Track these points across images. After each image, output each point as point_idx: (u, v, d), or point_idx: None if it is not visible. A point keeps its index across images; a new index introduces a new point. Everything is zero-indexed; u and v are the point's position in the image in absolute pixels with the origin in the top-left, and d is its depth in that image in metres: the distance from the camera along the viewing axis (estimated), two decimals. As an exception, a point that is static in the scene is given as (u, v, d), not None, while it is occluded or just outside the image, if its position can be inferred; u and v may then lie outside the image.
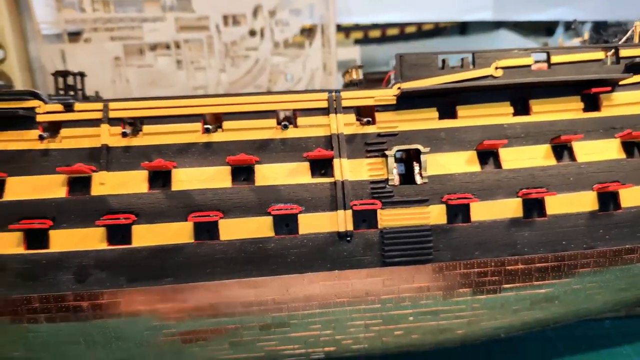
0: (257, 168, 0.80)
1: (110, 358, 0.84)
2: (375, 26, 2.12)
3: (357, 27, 2.01)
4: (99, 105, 0.81)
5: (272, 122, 0.82)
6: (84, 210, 0.76)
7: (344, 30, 1.93)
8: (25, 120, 0.79)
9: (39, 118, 0.81)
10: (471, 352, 0.98)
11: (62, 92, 1.01)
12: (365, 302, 0.80)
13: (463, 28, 2.52)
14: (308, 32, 1.68)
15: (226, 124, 0.82)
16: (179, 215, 0.77)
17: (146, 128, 0.82)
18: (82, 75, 1.02)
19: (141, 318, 0.78)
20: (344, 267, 0.78)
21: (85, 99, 0.97)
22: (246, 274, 0.77)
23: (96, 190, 0.78)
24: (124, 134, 0.80)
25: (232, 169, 0.79)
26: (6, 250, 0.76)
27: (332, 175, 0.79)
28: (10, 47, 1.63)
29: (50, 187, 0.77)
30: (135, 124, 0.83)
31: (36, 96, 0.80)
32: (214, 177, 0.79)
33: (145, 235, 0.76)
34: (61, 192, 0.78)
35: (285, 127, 0.81)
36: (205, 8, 1.59)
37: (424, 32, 2.50)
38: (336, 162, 0.79)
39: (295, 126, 0.82)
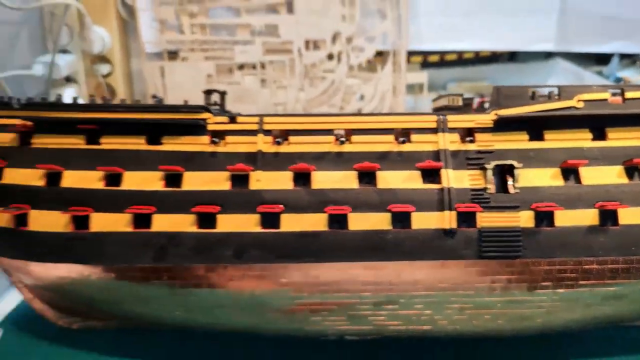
0: (379, 174, 0.97)
1: (252, 320, 1.03)
2: (434, 51, 2.29)
3: (416, 52, 2.17)
4: (256, 119, 1.01)
5: (391, 137, 1.00)
6: (244, 201, 0.95)
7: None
8: (198, 129, 0.99)
9: (209, 127, 1.00)
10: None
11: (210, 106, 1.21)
12: (462, 288, 0.96)
13: (512, 55, 2.68)
14: (381, 57, 1.86)
15: (354, 138, 1.00)
16: (317, 208, 0.95)
17: (292, 138, 1.00)
18: (224, 93, 1.22)
19: (282, 289, 0.96)
20: (446, 258, 0.95)
21: (225, 112, 1.16)
22: (368, 258, 0.94)
23: (253, 185, 0.96)
24: (277, 142, 1.00)
25: (358, 173, 0.97)
26: (184, 229, 0.95)
27: (440, 183, 0.96)
28: (117, 63, 1.85)
29: (218, 181, 0.96)
30: (283, 135, 1.02)
31: (207, 110, 1.00)
32: (344, 180, 0.97)
33: (291, 222, 0.94)
34: (226, 186, 0.97)
35: (403, 142, 0.99)
36: (290, 34, 1.79)
37: (480, 58, 2.66)
38: (443, 172, 0.97)
39: (409, 142, 1.00)
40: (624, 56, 2.47)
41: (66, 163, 0.97)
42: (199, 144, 0.98)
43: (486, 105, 1.18)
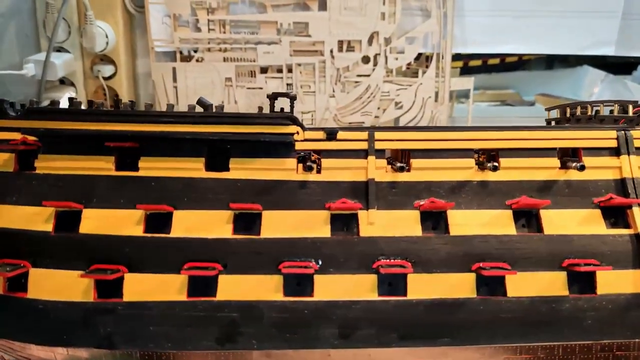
0: (544, 214, 0.71)
1: None
2: (457, 56, 2.09)
3: (457, 56, 1.94)
4: (364, 135, 0.74)
5: (554, 160, 0.74)
6: (353, 253, 0.68)
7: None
8: (283, 148, 0.72)
9: (299, 146, 0.73)
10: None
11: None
12: None
13: (550, 62, 2.49)
14: (422, 60, 1.64)
15: (503, 162, 0.74)
16: (460, 265, 0.68)
17: (415, 162, 0.74)
18: (293, 98, 0.96)
19: None
20: None
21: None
22: (535, 338, 0.68)
23: (365, 230, 0.69)
24: (397, 168, 0.72)
25: (513, 212, 0.71)
26: (265, 296, 0.67)
27: (630, 227, 0.70)
28: (122, 63, 1.59)
29: (312, 224, 0.69)
30: (403, 158, 0.76)
31: (294, 121, 0.73)
32: (494, 222, 0.70)
33: (422, 286, 0.67)
34: (325, 231, 0.69)
35: (582, 168, 0.72)
36: (321, 33, 1.55)
37: (507, 64, 2.47)
38: (635, 210, 0.71)
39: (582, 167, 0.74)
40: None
41: (87, 198, 0.70)
42: (283, 169, 0.72)
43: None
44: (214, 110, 0.79)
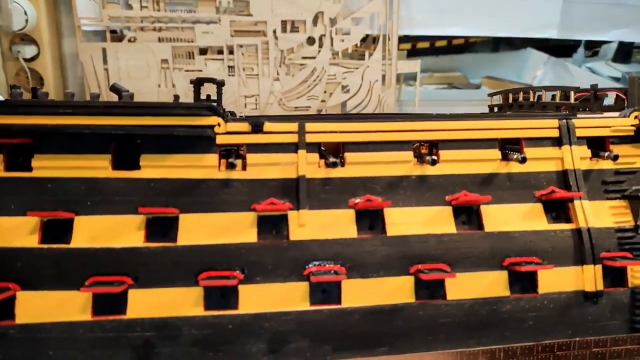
0: (484, 209, 0.65)
1: None
2: (405, 38, 2.04)
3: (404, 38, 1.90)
4: (293, 127, 0.65)
5: (496, 152, 0.68)
6: (282, 259, 0.60)
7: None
8: (202, 143, 0.62)
9: (220, 140, 0.63)
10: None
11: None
12: None
13: (495, 45, 2.47)
14: (369, 42, 1.57)
15: (443, 154, 0.67)
16: (398, 268, 0.62)
17: (350, 156, 0.66)
18: (220, 84, 0.85)
19: None
20: (586, 334, 0.65)
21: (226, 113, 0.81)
22: (476, 343, 0.63)
23: (295, 233, 0.61)
24: (333, 164, 0.64)
25: (453, 209, 0.65)
26: (185, 312, 0.58)
27: (571, 221, 0.66)
28: (46, 43, 1.43)
29: (236, 228, 0.61)
30: (336, 151, 0.68)
31: (215, 112, 0.63)
32: (433, 220, 0.64)
33: (357, 293, 0.61)
34: (251, 235, 0.61)
35: (524, 160, 0.66)
36: (263, 12, 1.45)
37: (453, 46, 2.44)
38: (577, 204, 0.66)
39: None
40: (586, 48, 2.35)
41: None
42: (203, 166, 0.62)
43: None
44: (130, 98, 0.69)
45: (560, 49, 2.29)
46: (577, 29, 1.57)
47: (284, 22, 1.47)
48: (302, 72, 1.52)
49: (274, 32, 1.47)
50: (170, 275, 0.59)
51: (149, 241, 0.59)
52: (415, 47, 2.30)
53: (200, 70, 1.48)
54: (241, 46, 1.48)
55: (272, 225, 0.62)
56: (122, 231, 0.58)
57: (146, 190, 0.60)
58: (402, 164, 0.66)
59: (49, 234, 0.58)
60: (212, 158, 0.63)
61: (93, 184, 0.59)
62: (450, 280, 0.62)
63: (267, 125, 0.64)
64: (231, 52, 1.48)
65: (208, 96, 0.85)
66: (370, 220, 0.64)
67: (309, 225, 0.62)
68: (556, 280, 0.64)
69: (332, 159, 0.63)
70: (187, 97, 1.49)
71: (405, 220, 0.64)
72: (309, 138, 0.65)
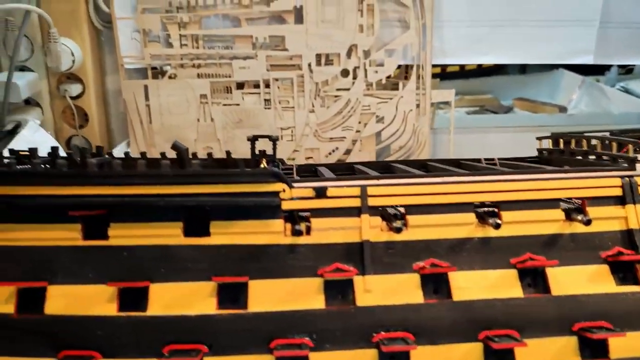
0: (550, 272, 0.64)
1: None
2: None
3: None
4: (356, 191, 0.65)
5: (559, 212, 0.67)
6: (350, 326, 0.60)
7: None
8: (266, 208, 0.63)
9: (285, 205, 0.64)
10: None
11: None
12: None
13: (524, 66, 2.46)
14: (402, 72, 1.58)
15: (505, 215, 0.66)
16: (466, 334, 0.61)
17: (412, 219, 0.66)
18: (275, 140, 0.87)
19: None
20: None
21: (276, 165, 0.81)
22: None
23: (362, 299, 0.61)
24: (398, 229, 0.63)
25: (519, 272, 0.64)
26: None
27: (639, 282, 0.64)
28: (90, 81, 1.49)
29: (304, 293, 0.61)
30: (397, 215, 0.68)
31: (280, 178, 0.64)
32: (499, 284, 0.63)
33: None
34: (318, 302, 0.61)
35: (589, 222, 0.65)
36: (298, 47, 1.48)
37: (484, 69, 2.43)
38: None
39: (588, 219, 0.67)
40: (620, 66, 2.30)
41: (51, 273, 0.59)
42: (269, 232, 0.63)
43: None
44: (189, 155, 0.71)
45: (592, 67, 2.26)
46: (614, 53, 1.54)
47: (318, 56, 1.50)
48: (337, 103, 1.53)
49: (309, 65, 1.50)
50: (242, 343, 0.59)
51: (221, 308, 0.60)
52: (445, 70, 2.30)
53: (238, 104, 1.52)
54: (277, 80, 1.51)
55: (338, 291, 0.62)
56: (195, 298, 0.59)
57: (216, 256, 0.61)
58: (465, 226, 0.65)
59: (127, 302, 0.59)
60: (278, 224, 0.64)
61: (166, 251, 0.61)
62: (520, 350, 0.61)
63: (331, 190, 0.64)
64: (267, 85, 1.51)
65: (262, 151, 0.86)
66: (435, 284, 0.63)
67: (374, 290, 0.62)
68: (628, 345, 0.62)
69: (396, 224, 0.63)
70: (225, 130, 1.53)
71: (470, 285, 0.63)
72: (372, 202, 0.65)
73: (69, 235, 0.60)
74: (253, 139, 0.83)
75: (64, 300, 0.57)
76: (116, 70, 1.52)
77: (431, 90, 1.55)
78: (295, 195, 0.64)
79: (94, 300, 0.58)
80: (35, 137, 1.23)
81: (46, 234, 0.59)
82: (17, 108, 1.45)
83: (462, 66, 2.37)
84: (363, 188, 0.65)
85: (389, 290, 0.62)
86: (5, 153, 0.72)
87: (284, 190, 0.64)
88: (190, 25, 1.46)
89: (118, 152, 1.48)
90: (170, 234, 0.62)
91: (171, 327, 0.58)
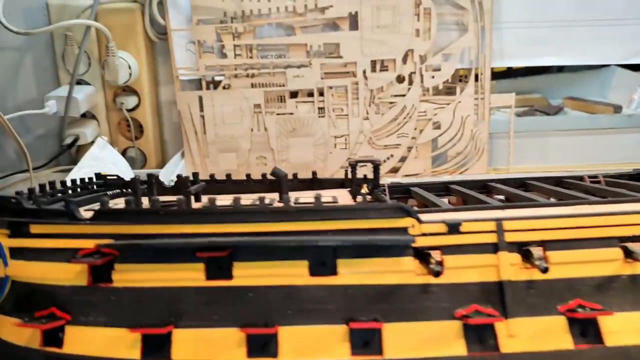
0: None
1: None
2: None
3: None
4: (491, 225, 0.60)
5: None
6: None
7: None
8: (395, 245, 0.59)
9: (417, 242, 0.60)
10: None
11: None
12: None
13: (561, 66, 2.36)
14: (458, 76, 1.54)
15: None
16: None
17: (552, 255, 0.60)
18: (377, 165, 0.82)
19: None
20: None
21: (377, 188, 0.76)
22: None
23: (506, 345, 0.56)
24: (545, 269, 0.57)
25: None
26: None
27: None
28: (146, 93, 1.49)
29: (442, 338, 0.56)
30: (538, 250, 0.62)
31: (408, 213, 0.59)
32: None
33: None
34: (459, 348, 0.56)
35: None
36: (353, 54, 1.45)
37: (531, 68, 2.35)
38: None
39: None
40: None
41: (176, 315, 0.57)
42: (400, 271, 0.58)
43: None
44: (288, 179, 0.68)
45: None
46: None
47: (373, 62, 1.46)
48: (392, 110, 1.50)
49: (364, 72, 1.47)
50: None
51: (355, 354, 0.57)
52: (492, 70, 2.24)
53: (292, 113, 1.50)
54: (331, 87, 1.48)
55: (476, 335, 0.57)
56: (326, 343, 0.56)
57: (344, 297, 0.58)
58: (611, 263, 0.60)
59: (255, 346, 0.57)
60: (409, 262, 0.59)
61: (293, 291, 0.57)
62: None
63: (465, 225, 0.60)
64: (321, 93, 1.48)
65: (365, 176, 0.83)
66: (582, 327, 0.58)
67: (519, 335, 0.57)
68: None
69: (542, 263, 0.58)
70: (278, 139, 1.51)
71: (622, 328, 0.58)
72: (509, 237, 0.60)
73: (193, 275, 0.57)
74: (353, 164, 0.80)
75: (191, 345, 0.55)
76: (169, 82, 1.51)
77: (490, 94, 1.50)
78: (425, 231, 0.60)
79: (221, 345, 0.55)
80: (104, 153, 1.23)
81: (171, 275, 0.57)
82: (74, 121, 1.46)
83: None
84: (499, 223, 0.60)
85: (534, 335, 0.57)
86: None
87: (412, 226, 0.59)
88: (244, 35, 1.44)
89: (173, 163, 1.47)
90: (295, 274, 0.58)
91: None
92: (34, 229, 0.61)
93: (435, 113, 1.50)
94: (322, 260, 0.57)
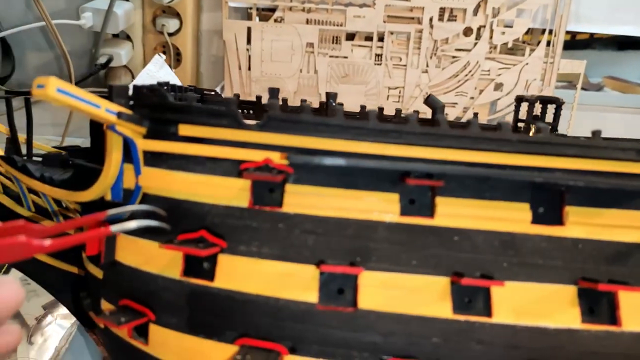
0: None
1: None
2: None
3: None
4: None
5: None
6: None
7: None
8: (637, 195, 0.48)
9: None
10: None
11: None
12: None
13: (622, 43, 2.26)
14: (531, 37, 1.42)
15: None
16: None
17: None
18: (560, 105, 0.69)
19: None
20: None
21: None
22: None
23: None
24: None
25: None
26: None
27: None
28: (189, 18, 1.34)
29: None
30: None
31: None
32: None
33: None
34: None
35: None
36: (422, -3, 1.32)
37: (577, 41, 2.24)
38: None
39: None
40: None
41: (363, 255, 0.45)
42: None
43: None
44: (444, 111, 0.57)
45: None
46: None
47: (442, 10, 1.33)
48: (454, 65, 1.38)
49: (430, 19, 1.34)
50: None
51: (585, 322, 0.47)
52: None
53: (346, 57, 1.37)
54: (392, 33, 1.35)
55: None
56: (550, 306, 0.47)
57: (572, 253, 0.48)
58: None
59: (462, 302, 0.46)
60: None
61: (510, 240, 0.47)
62: None
63: None
64: (380, 39, 1.35)
65: (535, 116, 0.71)
66: None
67: None
68: None
69: None
70: (328, 84, 1.39)
71: None
72: None
73: (387, 207, 0.46)
74: (517, 100, 0.68)
75: (382, 292, 0.45)
76: (214, 8, 1.36)
77: (560, 60, 1.39)
78: None
79: (420, 297, 0.45)
80: (160, 73, 1.09)
81: (358, 204, 0.46)
82: (107, 40, 1.31)
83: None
84: None
85: None
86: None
87: None
88: (306, -38, 1.29)
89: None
90: (514, 219, 0.47)
91: (523, 340, 0.45)
92: (184, 130, 0.47)
93: (500, 73, 1.39)
94: (551, 205, 0.47)
